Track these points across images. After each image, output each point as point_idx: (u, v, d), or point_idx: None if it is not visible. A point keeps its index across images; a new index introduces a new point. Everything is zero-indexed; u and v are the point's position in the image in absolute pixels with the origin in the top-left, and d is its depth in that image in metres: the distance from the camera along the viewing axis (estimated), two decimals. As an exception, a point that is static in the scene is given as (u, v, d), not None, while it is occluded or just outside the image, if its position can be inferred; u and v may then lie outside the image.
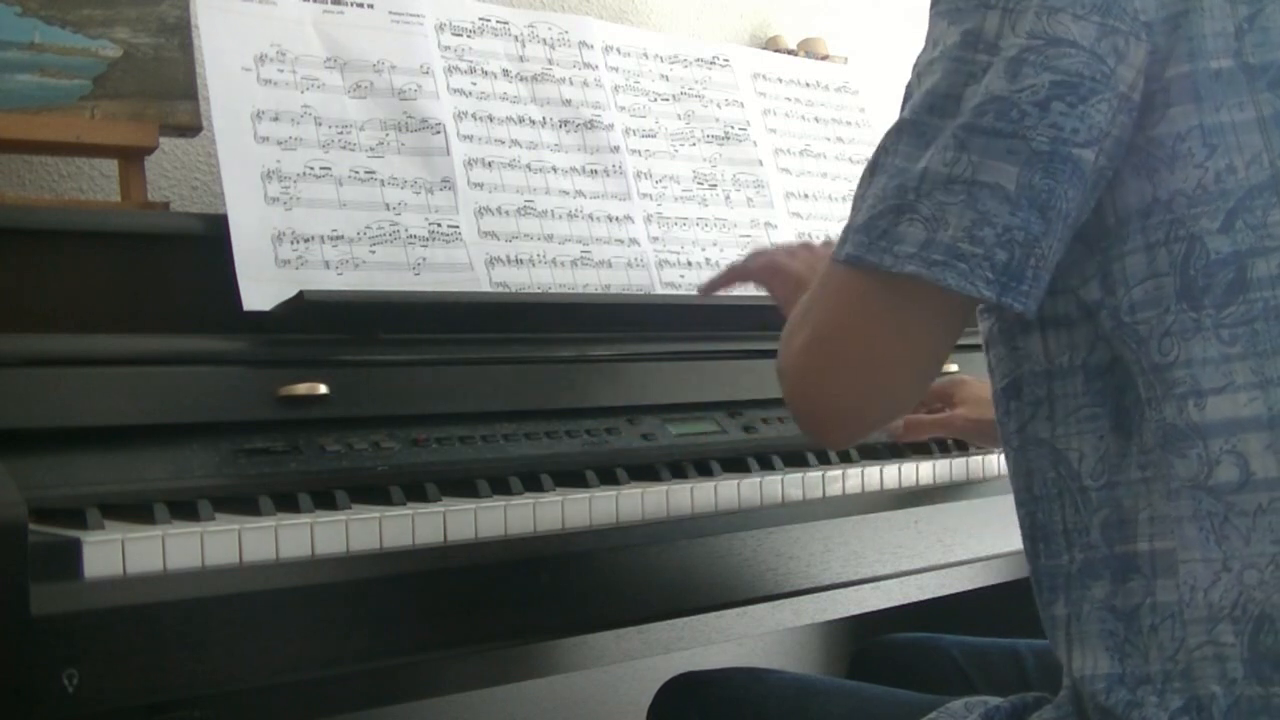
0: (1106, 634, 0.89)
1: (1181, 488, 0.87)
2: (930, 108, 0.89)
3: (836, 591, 1.41)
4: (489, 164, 1.50)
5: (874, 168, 0.93)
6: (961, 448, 1.55)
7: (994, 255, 0.86)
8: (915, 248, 0.87)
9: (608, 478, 1.27)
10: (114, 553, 0.93)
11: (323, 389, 1.20)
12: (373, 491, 1.16)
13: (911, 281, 0.88)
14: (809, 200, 1.78)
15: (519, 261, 1.48)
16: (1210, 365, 0.86)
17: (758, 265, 1.34)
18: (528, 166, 1.53)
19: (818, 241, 1.43)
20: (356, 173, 1.40)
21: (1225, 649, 0.85)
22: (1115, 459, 0.90)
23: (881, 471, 1.41)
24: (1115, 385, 0.91)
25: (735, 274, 1.39)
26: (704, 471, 1.34)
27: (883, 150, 0.93)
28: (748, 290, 1.65)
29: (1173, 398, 0.87)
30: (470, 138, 1.50)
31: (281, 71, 1.39)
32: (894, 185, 0.90)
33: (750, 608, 1.45)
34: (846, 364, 0.93)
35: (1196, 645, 0.86)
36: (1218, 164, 0.86)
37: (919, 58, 0.94)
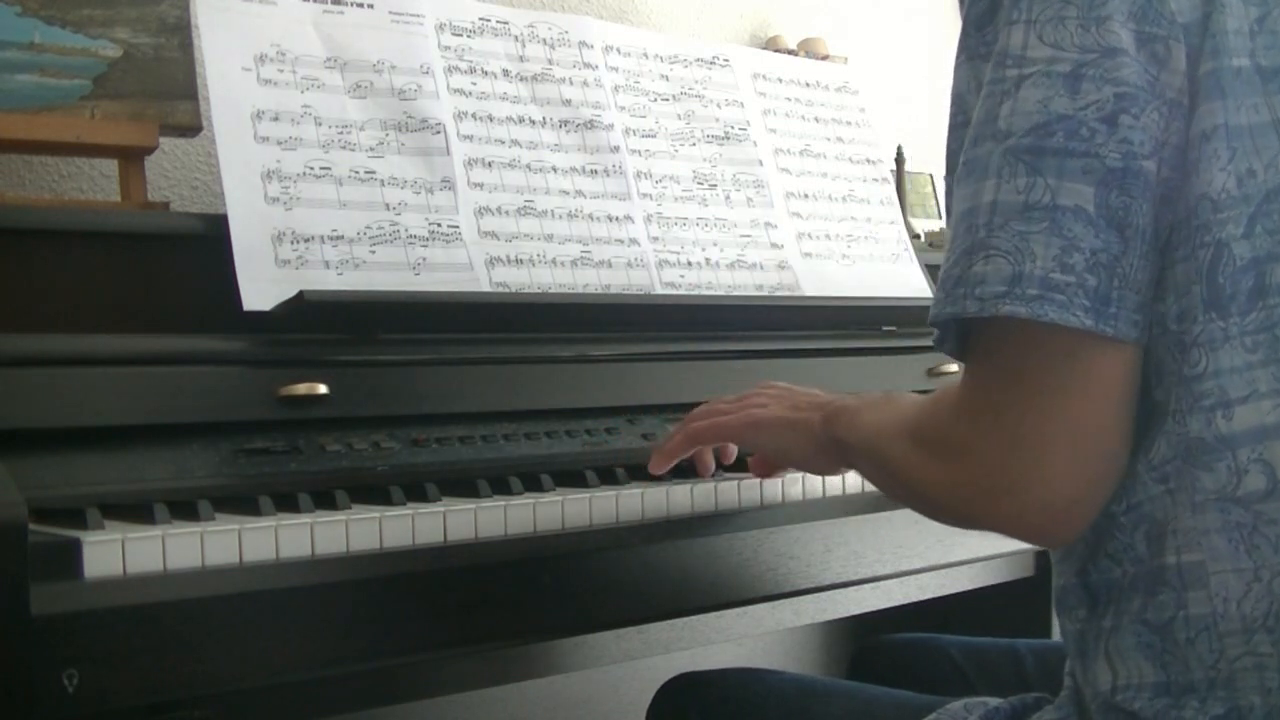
0: (1144, 646, 0.88)
1: (1207, 500, 0.85)
2: (975, 139, 0.87)
3: (836, 591, 1.42)
4: (489, 164, 1.50)
5: (952, 228, 0.90)
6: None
7: (1085, 281, 0.83)
8: (1004, 285, 0.84)
9: (608, 478, 1.27)
10: (114, 553, 0.93)
11: (323, 389, 1.20)
12: (373, 491, 1.16)
13: (1022, 325, 0.84)
14: (809, 200, 1.78)
15: (519, 261, 1.48)
16: (1236, 374, 0.84)
17: (738, 423, 1.19)
18: (528, 166, 1.53)
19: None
20: (356, 173, 1.40)
21: (1264, 659, 0.84)
22: (1129, 481, 0.89)
23: (881, 471, 1.41)
24: (1141, 410, 0.89)
25: (706, 433, 1.22)
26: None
27: (951, 206, 0.91)
28: (748, 290, 1.65)
29: (1200, 410, 0.85)
30: (470, 138, 1.50)
31: (281, 71, 1.39)
32: (963, 229, 0.87)
33: (750, 608, 1.46)
34: (1040, 449, 0.85)
35: (1236, 656, 0.85)
36: (1239, 167, 0.85)
37: (953, 116, 0.93)
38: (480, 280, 1.44)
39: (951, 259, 0.87)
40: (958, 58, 0.92)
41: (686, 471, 1.33)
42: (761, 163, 1.76)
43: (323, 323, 1.27)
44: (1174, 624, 0.87)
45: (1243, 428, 0.84)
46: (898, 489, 1.02)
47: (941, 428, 0.92)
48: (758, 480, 1.30)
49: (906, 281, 1.84)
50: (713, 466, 1.29)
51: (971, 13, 0.91)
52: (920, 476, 0.94)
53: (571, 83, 1.61)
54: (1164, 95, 0.85)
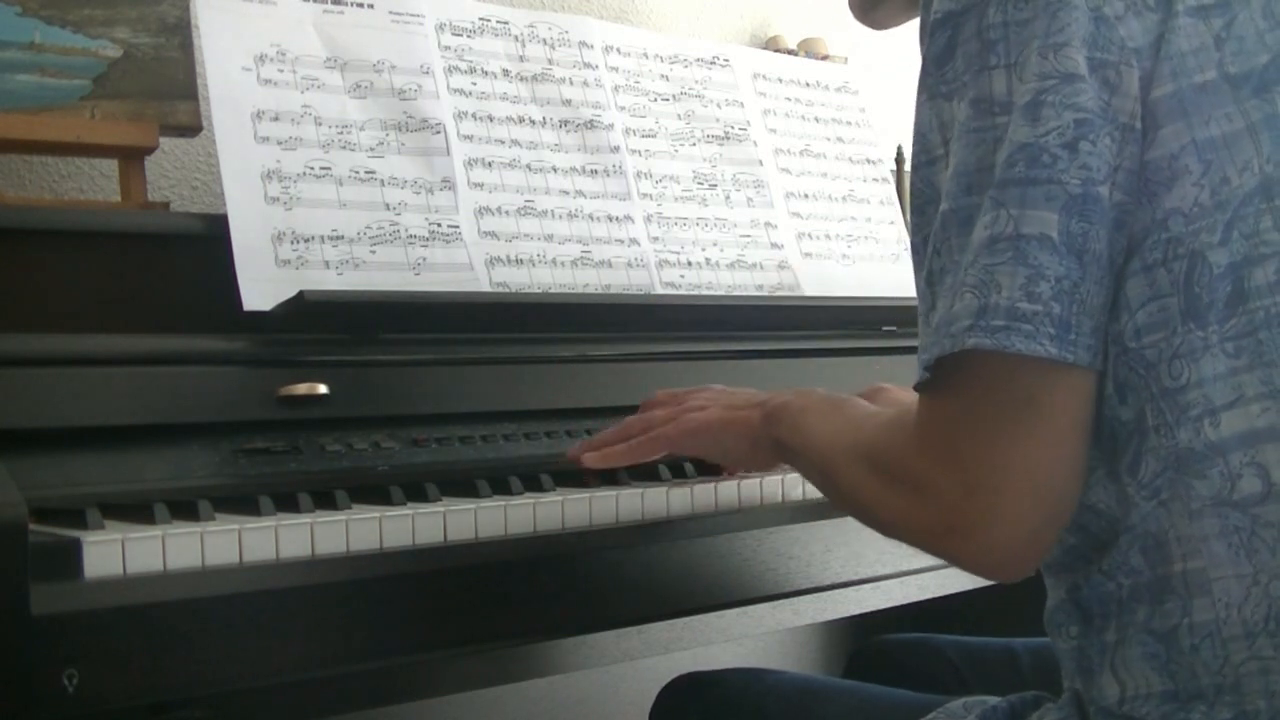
0: (1149, 656, 0.88)
1: (1204, 507, 0.85)
2: (968, 188, 0.86)
3: (836, 591, 1.41)
4: (489, 164, 1.50)
5: (930, 277, 0.89)
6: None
7: (1051, 310, 0.83)
8: (971, 319, 0.84)
9: (608, 478, 1.27)
10: (114, 553, 0.92)
11: (323, 389, 1.20)
12: (373, 491, 1.16)
13: (986, 358, 0.84)
14: (809, 200, 1.78)
15: (519, 261, 1.48)
16: (1220, 381, 0.84)
17: (676, 433, 1.21)
18: (528, 166, 1.53)
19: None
20: (356, 173, 1.40)
21: (1268, 662, 0.84)
22: (1121, 506, 0.89)
23: (881, 471, 1.41)
24: (1117, 435, 0.89)
25: (647, 448, 1.23)
26: (704, 471, 1.34)
27: (934, 254, 0.89)
28: (748, 290, 1.65)
29: (1187, 421, 0.85)
30: (470, 138, 1.50)
31: (281, 71, 1.39)
32: (961, 274, 0.86)
33: (750, 608, 1.45)
34: (998, 490, 0.85)
35: (1241, 661, 0.85)
36: (1213, 178, 0.85)
37: (917, 155, 0.92)
38: (480, 280, 1.44)
39: (943, 303, 0.87)
40: (919, 96, 0.92)
41: (687, 473, 1.33)
42: (761, 163, 1.76)
43: (323, 323, 1.27)
44: (1178, 632, 0.87)
45: (1231, 432, 0.84)
46: (847, 505, 1.03)
47: (900, 460, 0.92)
48: (758, 480, 1.30)
49: (906, 281, 1.84)
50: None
51: (930, 50, 0.90)
52: (876, 502, 0.95)
53: (571, 83, 1.61)
54: (1116, 120, 0.85)
